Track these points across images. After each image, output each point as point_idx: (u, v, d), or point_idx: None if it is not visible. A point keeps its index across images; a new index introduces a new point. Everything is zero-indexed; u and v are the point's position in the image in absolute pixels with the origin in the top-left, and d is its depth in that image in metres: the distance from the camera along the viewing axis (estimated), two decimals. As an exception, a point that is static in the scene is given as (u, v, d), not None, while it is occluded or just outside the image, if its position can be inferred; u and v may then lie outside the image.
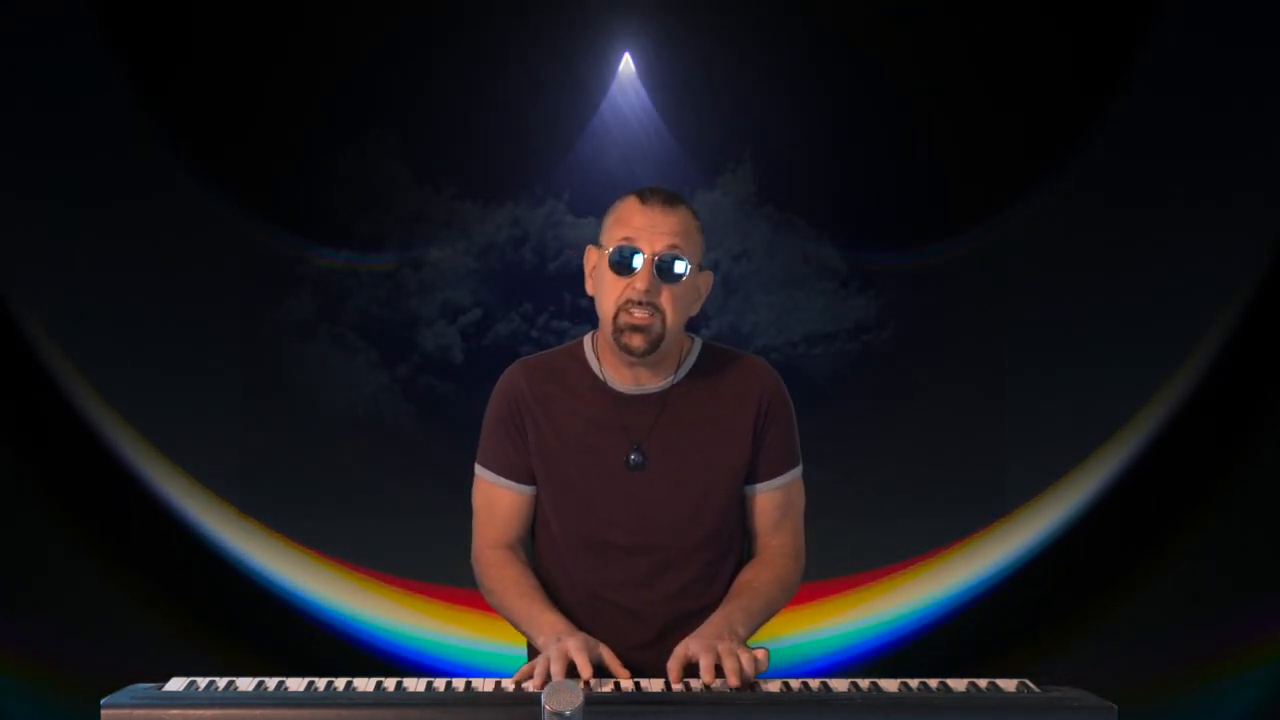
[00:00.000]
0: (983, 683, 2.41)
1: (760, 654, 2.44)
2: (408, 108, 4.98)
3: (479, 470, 2.78)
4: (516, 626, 2.69)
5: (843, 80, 4.93)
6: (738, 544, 2.80)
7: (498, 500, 2.76)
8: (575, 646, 2.43)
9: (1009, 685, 2.40)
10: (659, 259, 2.57)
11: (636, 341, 2.60)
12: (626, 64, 4.97)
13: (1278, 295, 4.77)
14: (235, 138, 4.91)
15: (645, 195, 2.62)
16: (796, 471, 2.80)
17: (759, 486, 2.76)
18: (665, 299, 2.59)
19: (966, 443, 4.89)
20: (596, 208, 2.81)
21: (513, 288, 5.04)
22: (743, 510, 2.79)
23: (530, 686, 2.37)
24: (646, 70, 4.93)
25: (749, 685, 2.40)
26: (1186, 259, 4.81)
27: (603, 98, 4.94)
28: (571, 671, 2.41)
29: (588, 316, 2.78)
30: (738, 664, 2.39)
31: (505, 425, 2.74)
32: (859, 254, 5.01)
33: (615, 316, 2.60)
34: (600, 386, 2.71)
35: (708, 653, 2.42)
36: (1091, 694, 2.36)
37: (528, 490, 2.75)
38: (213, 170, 4.90)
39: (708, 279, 2.68)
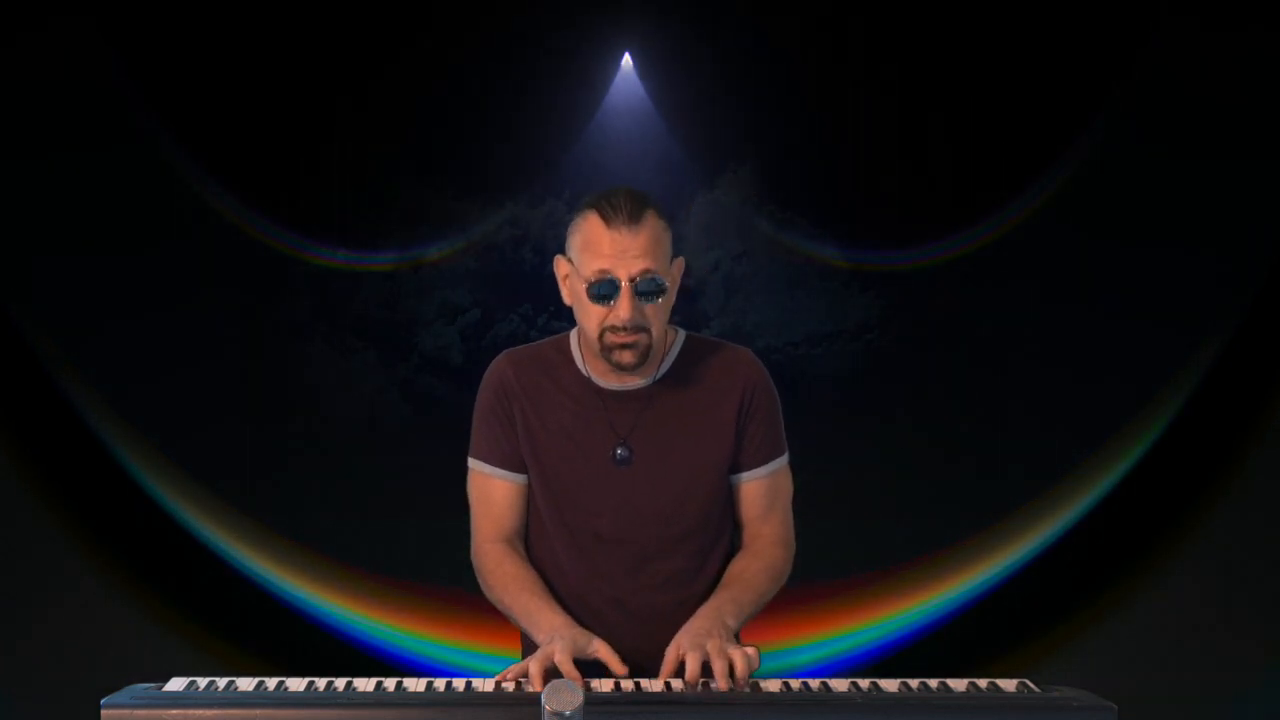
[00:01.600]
0: (983, 683, 2.41)
1: (750, 651, 2.44)
2: (407, 107, 4.98)
3: (473, 464, 2.79)
4: (516, 623, 2.69)
5: (843, 80, 4.93)
6: (725, 535, 2.81)
7: (494, 491, 2.76)
8: (560, 649, 2.43)
9: (1009, 685, 2.40)
10: (636, 284, 2.56)
11: (627, 358, 2.61)
12: (626, 64, 4.96)
13: (1278, 295, 4.78)
14: (234, 136, 4.90)
15: (608, 215, 2.56)
16: (783, 460, 2.80)
17: (744, 476, 2.77)
18: (648, 314, 2.60)
19: (967, 443, 4.89)
20: (597, 207, 2.80)
21: (512, 288, 5.03)
22: (729, 500, 2.80)
23: (507, 689, 2.37)
24: (646, 70, 4.92)
25: (743, 684, 2.40)
26: (1187, 260, 4.80)
27: (603, 98, 4.94)
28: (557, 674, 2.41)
29: (588, 316, 2.77)
30: (726, 665, 2.40)
31: (495, 415, 2.75)
32: (860, 254, 5.01)
33: (601, 337, 2.61)
34: (585, 382, 2.72)
35: (695, 651, 2.42)
36: (1091, 694, 2.36)
37: (523, 479, 2.76)
38: (212, 169, 4.89)
39: (679, 266, 2.68)
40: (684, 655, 2.45)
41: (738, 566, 2.76)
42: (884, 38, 4.92)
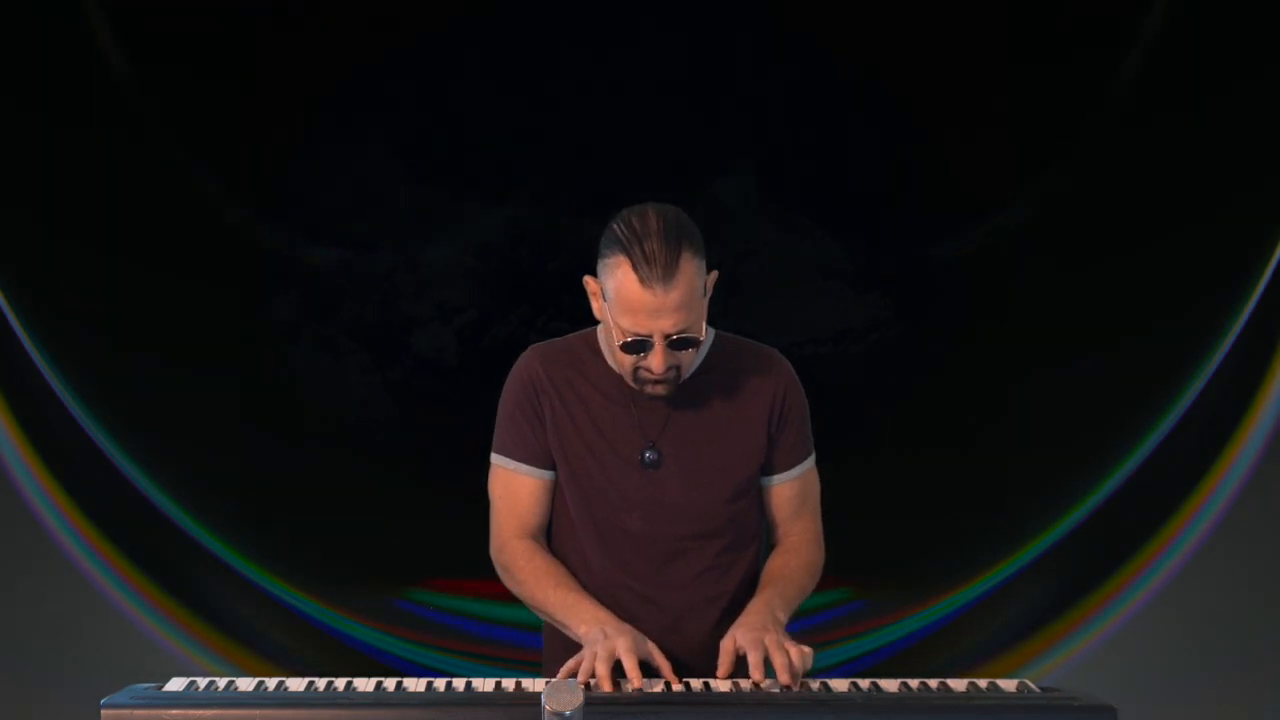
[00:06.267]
0: (983, 683, 2.42)
1: (807, 649, 2.44)
2: (404, 104, 4.97)
3: (497, 460, 2.77)
4: (550, 617, 2.68)
5: (847, 77, 4.92)
6: (756, 533, 2.82)
7: (519, 488, 2.74)
8: (624, 647, 2.42)
9: (1009, 685, 2.41)
10: (670, 339, 2.54)
11: (660, 390, 2.62)
12: (626, 63, 4.94)
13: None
14: (230, 134, 4.88)
15: (642, 272, 2.48)
16: (811, 459, 2.83)
17: (777, 478, 2.79)
18: (681, 358, 2.60)
19: (972, 443, 4.87)
20: (596, 207, 2.79)
21: (510, 289, 5.02)
22: (759, 500, 2.81)
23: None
24: (647, 69, 4.91)
25: (799, 682, 2.40)
26: (1194, 259, 4.80)
27: (603, 96, 4.92)
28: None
29: (588, 318, 2.77)
30: (787, 659, 2.40)
31: (524, 410, 2.73)
32: (865, 253, 4.99)
33: (634, 374, 2.62)
34: (615, 379, 2.71)
35: (755, 648, 2.42)
36: (1091, 694, 2.37)
37: (549, 475, 2.74)
38: (209, 167, 4.87)
39: (713, 279, 2.66)
40: (740, 650, 2.45)
41: (777, 563, 2.77)
42: (886, 35, 4.91)
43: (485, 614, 4.79)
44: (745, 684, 2.42)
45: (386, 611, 4.94)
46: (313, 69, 4.87)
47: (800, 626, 2.80)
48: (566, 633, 2.63)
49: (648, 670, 2.45)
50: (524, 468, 2.74)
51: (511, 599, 2.79)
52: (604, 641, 2.43)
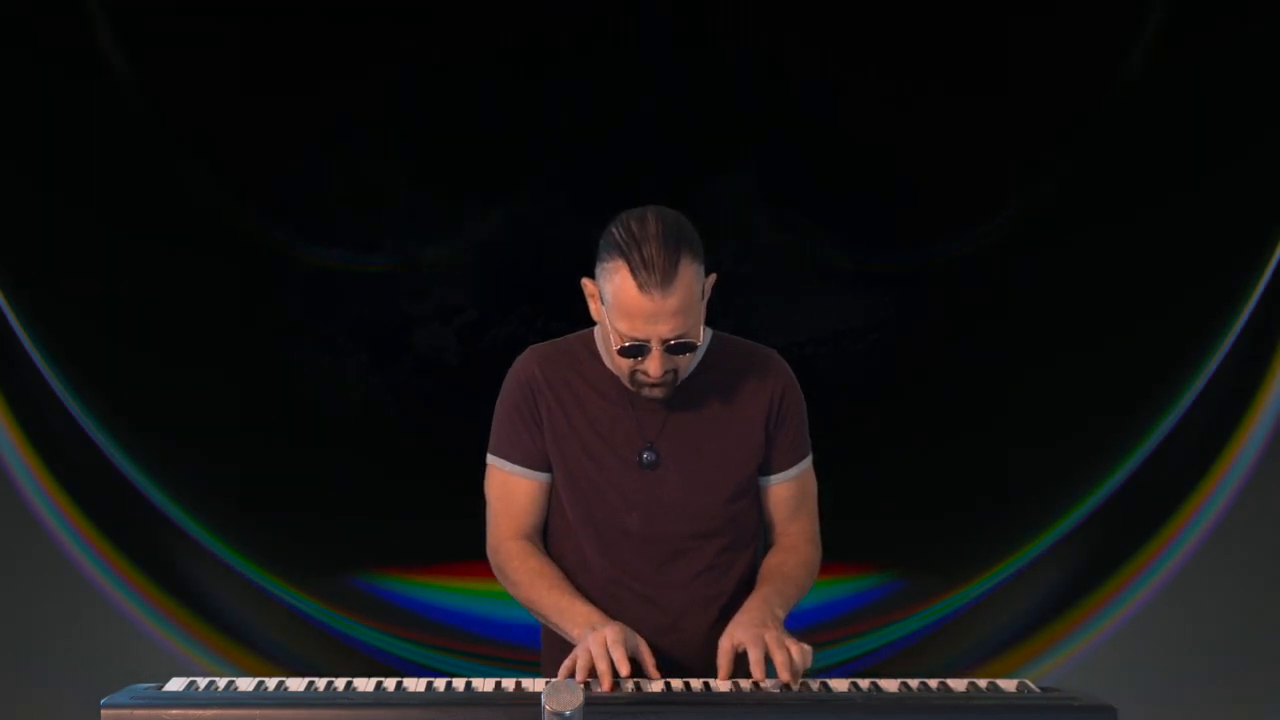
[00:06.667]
0: (983, 683, 2.42)
1: (806, 647, 2.44)
2: (404, 103, 4.96)
3: (493, 461, 2.77)
4: (544, 618, 2.69)
5: (847, 77, 4.91)
6: (756, 533, 2.82)
7: (515, 490, 2.75)
8: (613, 639, 2.42)
9: (1009, 685, 2.41)
10: (667, 344, 2.54)
11: (657, 393, 2.63)
12: (626, 62, 4.94)
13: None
14: (229, 133, 4.88)
15: (640, 277, 2.48)
16: (808, 460, 2.83)
17: (774, 478, 2.79)
18: (679, 361, 2.60)
19: (972, 444, 4.87)
20: (596, 207, 2.79)
21: (510, 289, 5.02)
22: (758, 500, 2.81)
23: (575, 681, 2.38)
24: (647, 68, 4.91)
25: (799, 680, 2.40)
26: (1198, 259, 4.80)
27: (602, 95, 4.92)
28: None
29: (587, 319, 2.77)
30: (787, 656, 2.40)
31: (521, 412, 2.73)
32: (865, 253, 4.99)
33: (631, 377, 2.62)
34: (612, 379, 2.71)
35: (756, 645, 2.42)
36: (1091, 694, 2.37)
37: (545, 477, 2.74)
38: (203, 163, 4.86)
39: (711, 281, 2.67)
40: (739, 648, 2.45)
41: (774, 561, 2.77)
42: (888, 34, 4.91)
43: (485, 612, 4.79)
44: (745, 684, 2.42)
45: (387, 611, 4.93)
46: (312, 68, 4.86)
47: (821, 616, 2.80)
48: (560, 634, 2.63)
49: (638, 669, 2.46)
50: (519, 469, 2.74)
51: (511, 598, 2.80)
52: (593, 635, 2.44)
